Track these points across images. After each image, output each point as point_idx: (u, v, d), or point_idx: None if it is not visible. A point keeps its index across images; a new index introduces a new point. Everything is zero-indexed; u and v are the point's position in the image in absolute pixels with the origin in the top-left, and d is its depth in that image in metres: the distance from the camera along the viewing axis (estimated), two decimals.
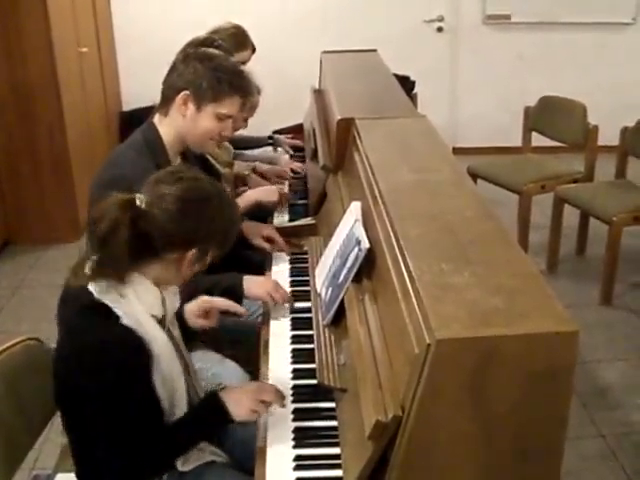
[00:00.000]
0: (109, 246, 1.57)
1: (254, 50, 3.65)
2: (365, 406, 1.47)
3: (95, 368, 1.59)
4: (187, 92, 2.22)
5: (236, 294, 2.19)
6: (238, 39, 3.55)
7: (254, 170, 3.42)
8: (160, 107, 2.29)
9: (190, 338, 2.10)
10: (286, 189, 3.35)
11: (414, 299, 1.44)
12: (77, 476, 1.83)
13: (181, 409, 1.74)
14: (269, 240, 2.64)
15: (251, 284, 2.24)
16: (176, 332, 1.88)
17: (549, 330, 1.30)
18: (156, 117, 2.31)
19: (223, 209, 1.70)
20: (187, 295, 2.06)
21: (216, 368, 2.25)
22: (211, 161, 2.91)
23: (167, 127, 2.28)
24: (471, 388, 1.31)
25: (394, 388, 1.44)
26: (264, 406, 1.75)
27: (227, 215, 1.71)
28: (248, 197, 2.88)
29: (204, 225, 1.65)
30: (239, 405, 1.74)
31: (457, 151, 6.24)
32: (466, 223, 1.74)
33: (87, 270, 1.62)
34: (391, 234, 1.73)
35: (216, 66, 2.24)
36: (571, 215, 4.31)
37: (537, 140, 4.75)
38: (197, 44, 2.88)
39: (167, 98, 2.27)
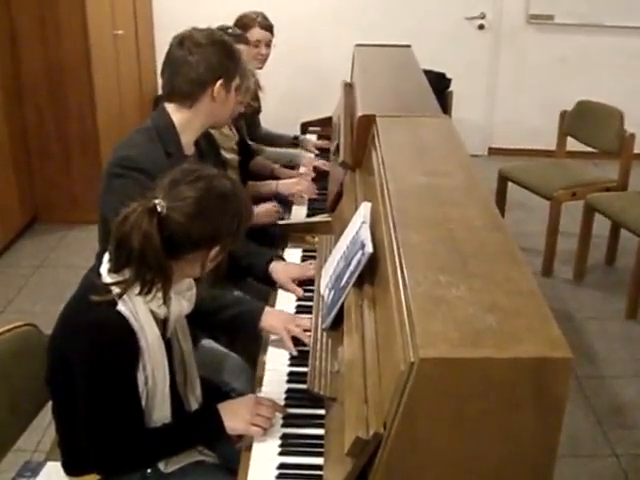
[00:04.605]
0: (147, 258, 1.55)
1: (267, 28, 3.58)
2: (348, 420, 1.42)
3: (80, 347, 1.60)
4: (221, 81, 2.19)
5: (252, 320, 2.10)
6: (243, 17, 3.52)
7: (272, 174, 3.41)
8: (180, 99, 2.21)
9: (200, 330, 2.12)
10: (308, 178, 3.30)
11: (405, 312, 1.37)
12: (62, 465, 1.83)
13: (161, 414, 1.72)
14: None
15: (270, 316, 2.11)
16: (184, 339, 1.87)
17: (541, 355, 1.23)
18: (170, 106, 2.25)
19: (240, 204, 1.68)
20: (210, 309, 2.05)
21: (219, 363, 2.24)
22: (219, 149, 2.87)
23: (189, 117, 2.21)
24: (455, 411, 1.25)
25: (379, 403, 1.38)
26: (261, 419, 1.71)
27: (244, 208, 1.69)
28: None
29: (225, 223, 1.63)
30: (235, 418, 1.72)
31: (492, 151, 6.16)
32: (471, 233, 1.67)
33: (120, 288, 1.60)
34: (393, 239, 1.67)
35: (225, 45, 2.23)
36: (603, 223, 4.19)
37: (573, 145, 4.63)
38: None
39: (191, 92, 2.19)
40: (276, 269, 2.40)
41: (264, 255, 2.47)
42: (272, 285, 2.42)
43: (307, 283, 2.36)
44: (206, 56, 2.18)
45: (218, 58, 2.19)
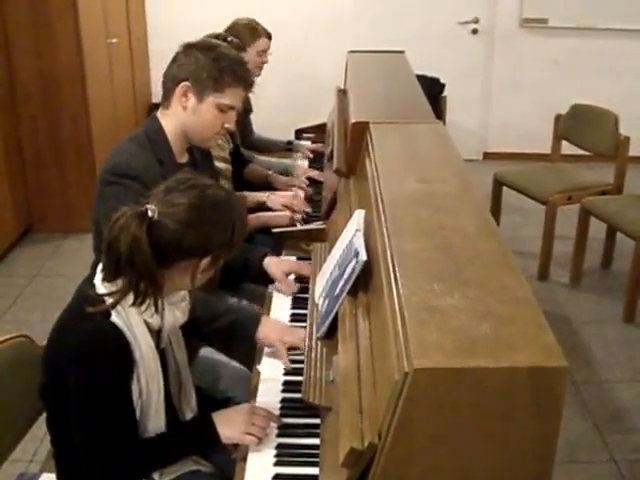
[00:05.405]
0: (135, 262, 1.53)
1: (269, 37, 3.58)
2: (342, 430, 1.41)
3: (74, 358, 1.58)
4: (187, 83, 2.15)
5: (247, 330, 2.07)
6: (251, 26, 3.50)
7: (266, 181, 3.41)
8: (162, 100, 2.24)
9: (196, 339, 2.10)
10: (301, 194, 3.29)
11: (399, 321, 1.36)
12: (57, 478, 1.82)
13: (155, 424, 1.70)
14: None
15: (266, 326, 2.08)
16: (179, 350, 1.86)
17: (536, 364, 1.22)
18: (159, 111, 2.26)
19: (234, 214, 1.66)
20: (205, 317, 2.03)
21: (218, 372, 2.23)
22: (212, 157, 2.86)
23: (170, 121, 2.22)
24: (450, 420, 1.24)
25: (374, 413, 1.37)
26: (256, 429, 1.70)
27: (238, 218, 1.67)
28: (259, 219, 2.84)
29: (217, 232, 1.61)
30: (230, 427, 1.71)
31: (487, 156, 6.16)
32: (466, 240, 1.66)
33: (113, 298, 1.58)
34: (387, 248, 1.65)
35: (217, 55, 2.17)
36: (598, 227, 4.18)
37: (568, 148, 4.63)
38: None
39: (168, 90, 2.20)
40: (270, 264, 2.39)
41: (258, 251, 2.46)
42: (266, 283, 2.41)
43: (302, 284, 2.36)
44: (190, 58, 2.18)
45: (195, 62, 2.16)
